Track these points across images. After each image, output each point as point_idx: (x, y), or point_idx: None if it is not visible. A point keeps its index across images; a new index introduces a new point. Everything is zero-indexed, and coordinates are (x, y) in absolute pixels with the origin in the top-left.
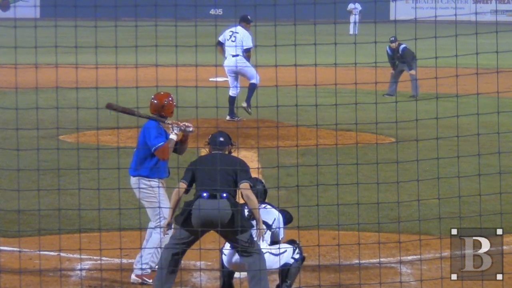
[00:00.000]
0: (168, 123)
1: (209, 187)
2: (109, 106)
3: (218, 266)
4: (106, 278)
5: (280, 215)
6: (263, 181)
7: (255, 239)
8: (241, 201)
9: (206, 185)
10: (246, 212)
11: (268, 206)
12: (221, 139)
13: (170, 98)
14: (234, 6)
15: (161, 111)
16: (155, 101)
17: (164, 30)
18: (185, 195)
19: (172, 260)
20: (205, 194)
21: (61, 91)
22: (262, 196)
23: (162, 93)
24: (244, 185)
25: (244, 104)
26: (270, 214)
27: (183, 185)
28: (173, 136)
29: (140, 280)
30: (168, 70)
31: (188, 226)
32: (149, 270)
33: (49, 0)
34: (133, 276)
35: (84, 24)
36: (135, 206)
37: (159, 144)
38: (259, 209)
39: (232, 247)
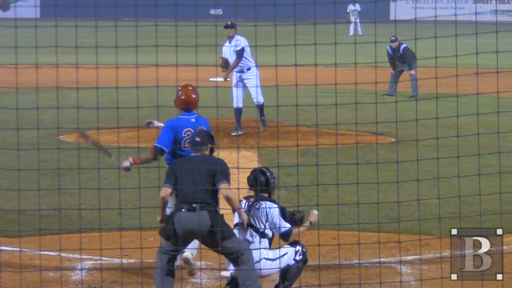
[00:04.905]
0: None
1: (189, 197)
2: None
3: (218, 266)
4: (106, 278)
5: (277, 209)
6: (267, 171)
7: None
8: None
9: (185, 195)
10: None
11: (262, 206)
12: (198, 139)
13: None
14: (234, 6)
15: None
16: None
17: (164, 30)
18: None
19: (169, 260)
20: (184, 209)
21: (61, 91)
22: (261, 187)
23: (190, 87)
24: (223, 186)
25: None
26: (261, 215)
27: (168, 190)
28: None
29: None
30: (168, 70)
31: (174, 237)
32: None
33: (49, 0)
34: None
35: (84, 24)
36: (135, 206)
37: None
38: (254, 206)
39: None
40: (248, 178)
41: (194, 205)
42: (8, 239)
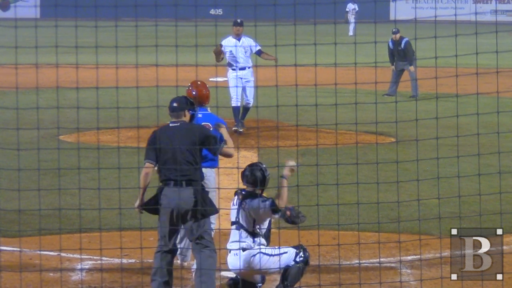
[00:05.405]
0: None
1: (172, 173)
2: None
3: (218, 266)
4: (106, 278)
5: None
6: (262, 166)
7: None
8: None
9: (169, 171)
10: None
11: (247, 206)
12: (175, 104)
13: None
14: (234, 6)
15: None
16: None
17: (164, 30)
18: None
19: (166, 262)
20: (170, 184)
21: (61, 91)
22: (261, 185)
23: (199, 82)
24: (222, 150)
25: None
26: (247, 214)
27: (150, 166)
28: None
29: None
30: (168, 70)
31: (158, 214)
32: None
33: (49, 0)
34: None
35: (84, 24)
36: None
37: None
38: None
39: (189, 239)
40: (244, 173)
41: (180, 181)
42: (8, 239)
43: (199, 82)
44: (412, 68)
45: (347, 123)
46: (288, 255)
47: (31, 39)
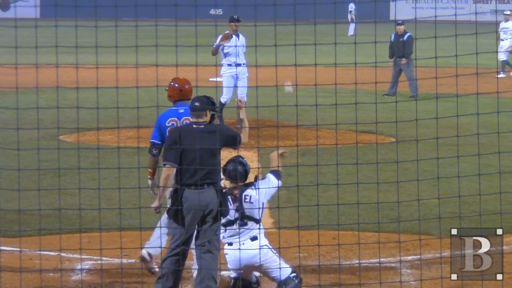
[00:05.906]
0: None
1: (195, 175)
2: None
3: (218, 266)
4: (106, 278)
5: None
6: (243, 160)
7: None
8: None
9: (191, 172)
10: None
11: (254, 196)
12: (196, 103)
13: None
14: (234, 6)
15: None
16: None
17: (164, 30)
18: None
19: (177, 266)
20: (191, 187)
21: (61, 91)
22: (242, 179)
23: (181, 78)
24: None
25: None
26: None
27: (173, 168)
28: None
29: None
30: (168, 70)
31: (179, 218)
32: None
33: (49, 0)
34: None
35: (84, 24)
36: (135, 206)
37: None
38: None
39: (196, 240)
40: (227, 169)
41: (201, 183)
42: (8, 239)
43: (181, 78)
44: (404, 60)
45: (347, 123)
46: (286, 267)
47: (31, 39)
